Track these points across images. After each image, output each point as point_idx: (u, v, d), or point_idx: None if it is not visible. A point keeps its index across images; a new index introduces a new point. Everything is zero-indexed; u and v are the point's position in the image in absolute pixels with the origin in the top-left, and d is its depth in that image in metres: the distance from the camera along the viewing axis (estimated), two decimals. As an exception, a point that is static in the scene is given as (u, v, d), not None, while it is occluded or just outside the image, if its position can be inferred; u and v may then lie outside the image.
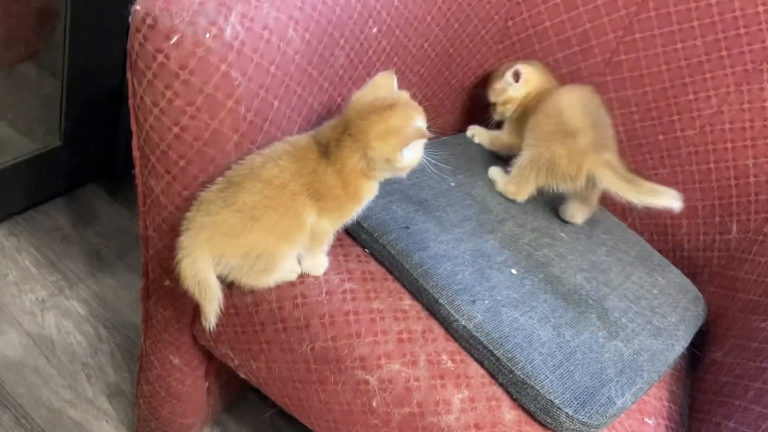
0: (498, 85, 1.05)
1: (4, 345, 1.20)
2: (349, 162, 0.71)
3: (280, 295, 0.77)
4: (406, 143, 0.70)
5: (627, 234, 1.04)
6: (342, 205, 0.73)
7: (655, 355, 0.81)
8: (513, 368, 0.71)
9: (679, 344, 0.86)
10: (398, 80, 0.96)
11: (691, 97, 1.05)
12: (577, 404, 0.70)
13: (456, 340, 0.76)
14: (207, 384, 0.98)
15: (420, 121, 0.72)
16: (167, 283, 0.81)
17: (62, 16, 1.15)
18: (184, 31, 0.66)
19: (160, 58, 0.67)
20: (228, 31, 0.68)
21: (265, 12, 0.72)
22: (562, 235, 0.97)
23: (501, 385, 0.73)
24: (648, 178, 1.10)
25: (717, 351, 0.89)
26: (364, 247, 0.83)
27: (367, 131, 0.70)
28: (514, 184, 0.97)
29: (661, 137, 1.09)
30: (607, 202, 1.15)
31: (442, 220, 0.87)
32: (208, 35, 0.67)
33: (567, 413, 0.69)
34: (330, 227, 0.74)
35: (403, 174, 0.74)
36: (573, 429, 0.70)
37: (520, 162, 0.97)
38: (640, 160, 1.12)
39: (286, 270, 0.75)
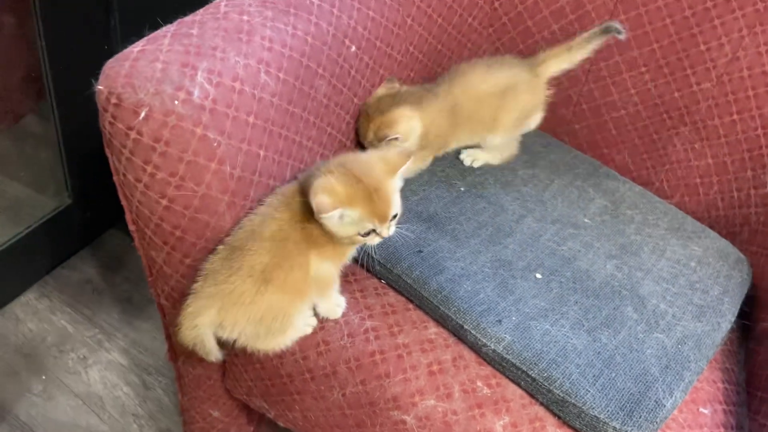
0: (381, 144, 0.86)
1: (54, 410, 1.23)
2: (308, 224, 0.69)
3: (303, 344, 0.75)
4: (342, 217, 0.67)
5: (654, 204, 0.99)
6: (336, 248, 0.71)
7: (700, 339, 0.77)
8: (551, 387, 0.68)
9: (725, 320, 0.81)
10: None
11: (702, 47, 0.98)
12: (624, 415, 0.67)
13: (489, 363, 0.73)
14: (252, 429, 0.97)
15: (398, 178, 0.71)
16: (190, 346, 0.80)
17: (44, 80, 1.14)
18: (151, 103, 0.63)
19: (133, 134, 0.64)
20: (196, 93, 0.65)
21: (233, 62, 0.69)
22: (586, 220, 0.92)
23: (542, 404, 0.70)
24: (670, 139, 1.05)
25: (765, 319, 0.84)
26: (380, 279, 0.80)
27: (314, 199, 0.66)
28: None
29: (677, 94, 1.03)
30: (631, 168, 1.10)
31: (456, 233, 0.84)
32: (176, 102, 0.64)
33: (614, 427, 0.66)
34: (332, 268, 0.72)
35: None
36: (624, 441, 0.67)
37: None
38: (658, 121, 1.06)
39: (300, 326, 0.73)
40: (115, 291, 1.44)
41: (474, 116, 0.93)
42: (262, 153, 0.72)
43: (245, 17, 0.73)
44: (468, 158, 0.97)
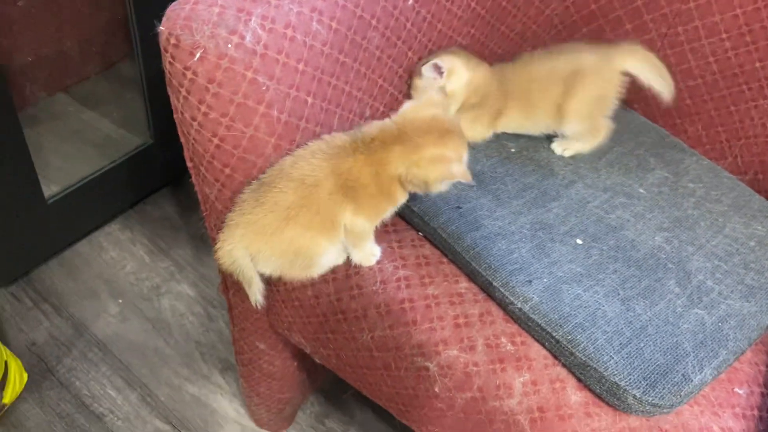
0: (419, 83, 0.87)
1: (128, 330, 1.34)
2: (391, 167, 0.70)
3: (338, 287, 0.79)
4: (451, 178, 0.70)
5: (721, 179, 0.94)
6: (377, 204, 0.72)
7: (745, 319, 0.74)
8: (574, 350, 0.68)
9: (777, 304, 0.77)
10: (445, 46, 0.92)
11: (792, 13, 0.91)
12: (647, 385, 0.66)
13: (515, 321, 0.73)
14: (296, 363, 1.03)
15: (466, 156, 0.72)
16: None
17: (130, 25, 1.21)
18: (206, 45, 0.67)
19: (189, 74, 0.69)
20: (248, 38, 0.68)
21: (286, 9, 0.71)
22: (641, 191, 0.89)
23: (565, 366, 0.70)
24: (748, 112, 0.99)
25: (827, 308, 0.79)
26: (418, 231, 0.82)
27: (422, 149, 0.70)
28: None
29: (758, 65, 0.96)
30: (704, 141, 1.05)
31: (499, 193, 0.84)
32: (230, 45, 0.68)
33: (634, 395, 0.66)
34: (368, 225, 0.74)
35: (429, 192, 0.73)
36: (643, 411, 0.66)
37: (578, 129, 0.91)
38: (736, 91, 1.00)
39: (327, 265, 0.76)
40: (189, 229, 1.54)
41: (527, 97, 0.91)
42: (310, 100, 0.75)
43: (303, -34, 0.74)
44: (558, 147, 0.93)
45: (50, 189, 1.33)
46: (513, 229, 0.79)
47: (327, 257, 0.75)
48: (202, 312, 1.39)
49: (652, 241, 0.81)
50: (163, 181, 1.58)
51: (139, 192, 1.55)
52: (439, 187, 0.71)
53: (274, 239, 0.71)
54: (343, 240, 0.74)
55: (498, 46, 1.02)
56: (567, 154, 0.93)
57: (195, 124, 0.72)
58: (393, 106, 0.87)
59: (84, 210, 1.42)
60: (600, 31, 1.05)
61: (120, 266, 1.45)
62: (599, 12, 1.04)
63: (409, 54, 0.88)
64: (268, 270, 0.74)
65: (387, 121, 0.73)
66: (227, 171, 0.74)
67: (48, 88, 1.62)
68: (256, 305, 0.74)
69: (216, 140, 0.72)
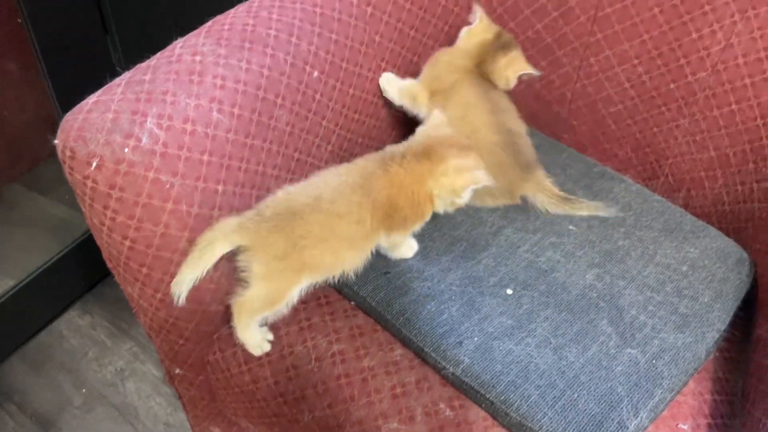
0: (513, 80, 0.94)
1: (95, 421, 1.32)
2: (426, 184, 0.76)
3: (273, 370, 0.78)
4: (476, 183, 0.76)
5: (651, 203, 0.95)
6: (407, 223, 0.77)
7: (679, 353, 0.74)
8: (508, 410, 0.68)
9: (713, 329, 0.77)
10: (361, 108, 0.93)
11: (695, 35, 0.93)
12: (583, 438, 0.65)
13: (452, 385, 0.73)
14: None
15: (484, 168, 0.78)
16: (177, 371, 0.85)
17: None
18: (102, 153, 0.67)
19: (90, 183, 0.68)
20: (145, 140, 0.68)
21: (183, 105, 0.72)
22: (571, 228, 0.89)
23: (504, 426, 0.70)
24: (671, 132, 1.00)
25: (762, 325, 0.79)
26: (350, 300, 0.82)
27: (447, 160, 0.76)
28: None
29: (672, 86, 0.98)
30: (635, 163, 1.06)
31: (428, 251, 0.84)
32: (126, 150, 0.68)
33: (572, 450, 0.65)
34: (402, 237, 0.80)
35: (450, 210, 0.80)
36: (583, 464, 0.65)
37: None
38: (656, 113, 1.01)
39: (289, 303, 0.75)
40: (149, 305, 1.52)
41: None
42: (220, 188, 0.75)
43: (198, 57, 0.75)
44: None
45: (5, 283, 1.32)
46: (442, 288, 0.79)
47: (296, 293, 0.75)
48: (169, 391, 1.37)
49: (583, 281, 0.81)
50: (118, 261, 1.56)
51: (95, 274, 1.54)
52: (465, 197, 0.77)
53: (273, 259, 0.71)
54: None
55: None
56: None
57: (104, 228, 0.71)
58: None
59: (41, 301, 1.41)
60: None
61: (81, 354, 1.43)
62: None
63: (324, 123, 0.88)
64: (245, 269, 0.73)
65: (408, 141, 0.79)
66: (144, 270, 0.73)
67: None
68: (176, 298, 0.72)
69: (128, 242, 0.71)
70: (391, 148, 0.78)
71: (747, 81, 0.89)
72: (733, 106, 0.92)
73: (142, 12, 1.18)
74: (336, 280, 0.77)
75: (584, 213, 0.90)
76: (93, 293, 1.54)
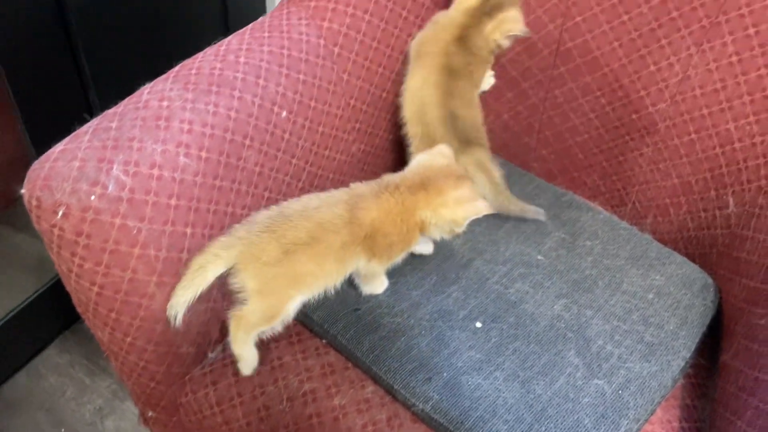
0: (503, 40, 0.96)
1: (72, 461, 1.30)
2: (417, 213, 0.77)
3: (246, 411, 0.78)
4: (478, 214, 0.78)
5: (617, 231, 0.96)
6: (393, 250, 0.78)
7: (645, 382, 0.75)
8: (477, 446, 0.68)
9: (678, 357, 0.79)
10: (331, 144, 0.95)
11: (653, 68, 0.95)
12: (551, 472, 0.66)
13: (422, 421, 0.73)
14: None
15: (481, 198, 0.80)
16: (150, 413, 0.84)
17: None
18: (68, 201, 0.68)
19: (56, 231, 0.69)
20: (111, 187, 0.69)
21: (150, 150, 0.73)
22: (540, 258, 0.91)
23: (474, 461, 0.70)
24: (636, 161, 1.02)
25: (727, 351, 0.81)
26: (321, 338, 0.82)
27: (445, 192, 0.77)
28: None
29: (634, 116, 1.00)
30: (603, 191, 1.08)
31: (398, 286, 0.85)
32: (93, 197, 0.68)
33: (540, 485, 0.65)
34: (381, 267, 0.80)
35: (447, 237, 0.82)
36: (551, 499, 0.66)
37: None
38: (621, 143, 1.03)
39: (285, 318, 0.77)
40: (129, 341, 1.51)
41: None
42: (189, 231, 0.75)
43: (165, 103, 0.76)
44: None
45: (-17, 324, 1.31)
46: (412, 323, 0.79)
47: (292, 307, 0.76)
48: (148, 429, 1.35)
49: (551, 311, 0.83)
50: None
51: (73, 312, 1.51)
52: (463, 227, 0.79)
53: (264, 267, 0.72)
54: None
55: (385, 133, 1.05)
56: None
57: (72, 275, 0.72)
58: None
59: (19, 340, 1.40)
60: (484, 104, 1.08)
61: (60, 393, 1.41)
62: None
63: (293, 161, 0.90)
64: (241, 288, 0.74)
65: (406, 171, 0.80)
66: (113, 315, 0.74)
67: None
68: (172, 320, 0.74)
69: (96, 288, 0.72)
70: (388, 177, 0.80)
71: (705, 111, 0.92)
72: (693, 136, 0.94)
73: (117, 54, 1.20)
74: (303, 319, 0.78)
75: (514, 210, 0.93)
76: (71, 331, 1.53)
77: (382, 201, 0.77)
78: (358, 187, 0.79)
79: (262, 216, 0.75)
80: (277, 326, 0.76)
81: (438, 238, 0.82)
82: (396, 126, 1.01)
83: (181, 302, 0.73)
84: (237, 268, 0.73)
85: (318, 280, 0.76)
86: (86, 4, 1.09)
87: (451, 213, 0.78)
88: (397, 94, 0.99)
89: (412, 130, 0.95)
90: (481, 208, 0.78)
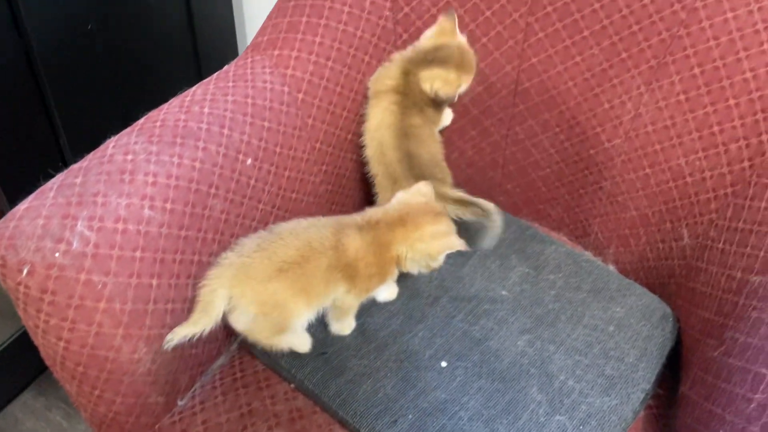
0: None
1: None
2: (393, 248, 0.80)
3: (214, 458, 0.79)
4: (452, 248, 0.81)
5: (579, 264, 0.99)
6: (371, 282, 0.80)
7: (605, 417, 0.77)
8: (441, 488, 0.70)
9: (637, 390, 0.81)
10: (297, 187, 0.97)
11: (607, 106, 0.99)
12: None
13: (388, 463, 0.75)
14: None
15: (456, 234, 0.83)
16: (122, 463, 0.85)
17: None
18: (33, 259, 0.69)
19: (22, 289, 0.70)
20: (75, 243, 0.70)
21: (114, 205, 0.74)
22: (504, 293, 0.93)
23: (439, 502, 0.71)
24: (596, 193, 1.05)
25: (685, 382, 0.83)
26: (290, 383, 0.83)
27: (422, 227, 0.80)
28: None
29: (592, 152, 1.03)
30: (567, 222, 1.11)
31: (365, 327, 0.86)
32: (57, 254, 0.69)
33: None
34: (356, 302, 0.82)
35: (424, 271, 0.84)
36: None
37: None
38: (581, 176, 1.06)
39: (299, 334, 0.80)
40: (106, 381, 1.50)
41: None
42: (154, 282, 0.77)
43: (129, 156, 0.78)
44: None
45: (-44, 371, 1.30)
46: (378, 365, 0.81)
47: (299, 321, 0.78)
48: (126, 471, 1.34)
49: (515, 347, 0.84)
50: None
51: (49, 354, 1.52)
52: (440, 261, 0.82)
53: (260, 286, 0.74)
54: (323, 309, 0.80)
55: (352, 173, 1.07)
56: None
57: (39, 331, 0.72)
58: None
59: (-6, 385, 1.39)
60: (448, 142, 1.11)
61: (36, 438, 1.40)
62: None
63: (260, 206, 0.91)
64: (241, 323, 0.76)
65: (387, 206, 0.84)
66: (80, 369, 0.74)
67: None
68: (165, 344, 0.76)
69: (62, 343, 0.72)
70: (371, 212, 0.83)
71: (657, 147, 0.95)
72: (647, 170, 0.97)
73: (87, 101, 1.21)
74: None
75: (469, 217, 0.94)
76: (47, 374, 1.52)
77: (363, 233, 0.79)
78: (344, 218, 0.82)
79: (251, 239, 0.78)
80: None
81: (415, 272, 0.84)
82: (361, 164, 1.03)
83: (183, 336, 0.75)
84: (234, 301, 0.75)
85: (311, 299, 0.78)
86: (54, 52, 1.11)
87: (427, 246, 0.80)
88: (360, 134, 1.02)
89: (374, 170, 0.98)
90: (456, 243, 0.81)
